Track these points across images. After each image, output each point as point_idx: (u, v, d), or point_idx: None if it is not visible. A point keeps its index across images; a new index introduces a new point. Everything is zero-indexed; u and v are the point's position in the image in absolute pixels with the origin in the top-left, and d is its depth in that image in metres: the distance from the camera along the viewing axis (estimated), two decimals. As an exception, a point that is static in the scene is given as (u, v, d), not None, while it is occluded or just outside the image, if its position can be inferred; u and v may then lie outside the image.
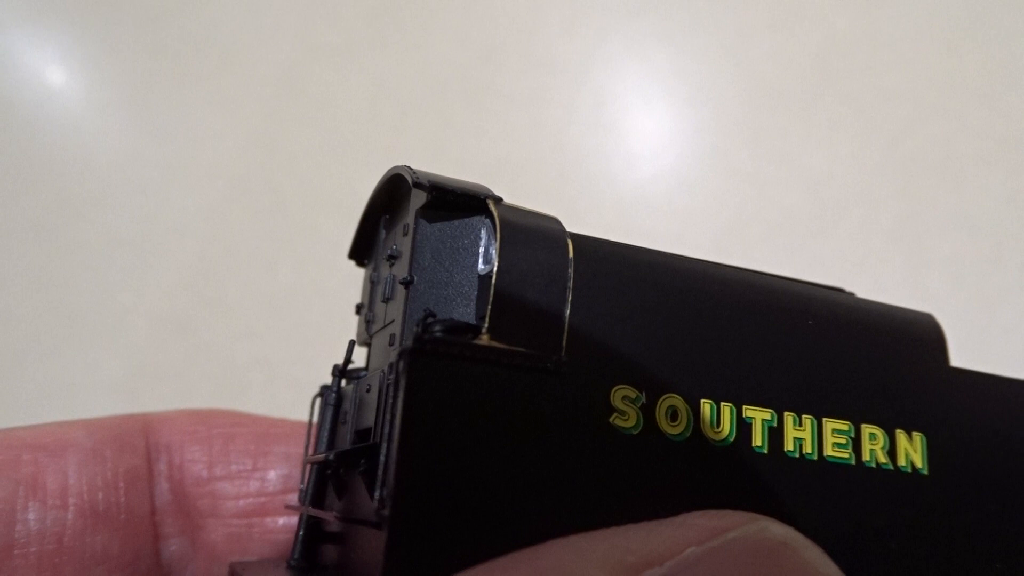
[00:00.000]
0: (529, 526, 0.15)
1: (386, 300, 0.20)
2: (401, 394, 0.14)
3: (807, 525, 0.15)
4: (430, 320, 0.16)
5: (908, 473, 0.18)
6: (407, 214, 0.19)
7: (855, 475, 0.18)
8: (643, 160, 0.59)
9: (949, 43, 0.58)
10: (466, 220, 0.18)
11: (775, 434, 0.17)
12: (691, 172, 0.58)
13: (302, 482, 0.23)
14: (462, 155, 0.59)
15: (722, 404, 0.17)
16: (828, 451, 0.18)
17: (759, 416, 0.17)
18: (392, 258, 0.20)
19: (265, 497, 0.26)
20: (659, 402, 0.16)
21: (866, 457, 0.18)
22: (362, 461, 0.18)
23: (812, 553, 0.15)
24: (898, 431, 0.18)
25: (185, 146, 0.61)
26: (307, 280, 0.57)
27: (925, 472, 0.18)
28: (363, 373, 0.22)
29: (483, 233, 0.17)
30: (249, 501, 0.25)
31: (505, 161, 0.59)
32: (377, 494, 0.14)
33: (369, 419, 0.19)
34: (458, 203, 0.17)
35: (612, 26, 0.62)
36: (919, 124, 0.57)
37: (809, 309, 0.18)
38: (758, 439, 0.17)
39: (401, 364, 0.14)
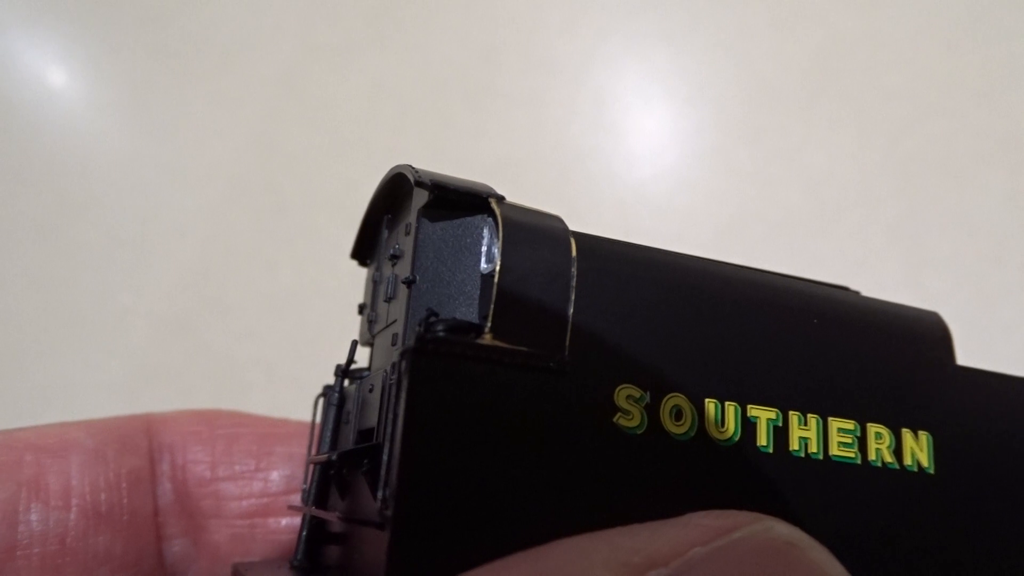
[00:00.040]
0: (533, 526, 0.15)
1: (388, 300, 0.20)
2: (404, 394, 0.14)
3: (813, 525, 0.15)
4: (433, 319, 0.16)
5: (914, 472, 0.18)
6: (409, 213, 0.19)
7: (861, 475, 0.18)
8: (643, 160, 0.59)
9: (949, 42, 0.58)
10: (468, 219, 0.17)
11: (780, 434, 0.17)
12: (691, 171, 0.58)
13: (305, 482, 0.23)
14: (463, 155, 0.59)
15: (727, 403, 0.17)
16: (834, 451, 0.17)
17: (764, 415, 0.17)
18: (394, 258, 0.19)
19: (268, 498, 0.26)
20: (663, 401, 0.16)
21: (872, 456, 0.18)
22: (365, 461, 0.18)
23: (818, 553, 0.15)
24: (904, 430, 0.18)
25: (186, 146, 0.61)
26: (308, 280, 0.57)
27: (931, 471, 0.18)
28: (366, 373, 0.22)
29: (485, 232, 0.17)
30: (252, 502, 0.25)
31: (506, 161, 0.59)
32: (380, 494, 0.14)
33: (372, 419, 0.19)
34: (460, 202, 0.17)
35: (612, 26, 0.62)
36: (919, 123, 0.57)
37: (814, 307, 0.18)
38: (763, 439, 0.17)
39: (403, 364, 0.14)
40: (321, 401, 0.23)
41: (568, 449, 0.15)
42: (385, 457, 0.15)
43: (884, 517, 0.18)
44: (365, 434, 0.20)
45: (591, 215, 0.57)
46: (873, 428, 0.18)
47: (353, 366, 0.22)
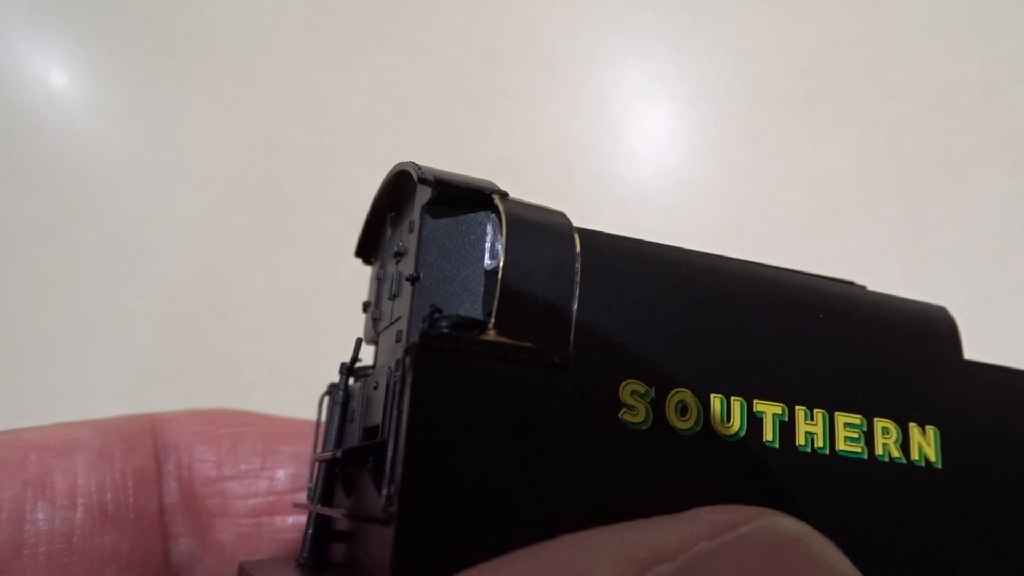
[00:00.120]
0: (538, 522, 0.15)
1: (392, 297, 0.20)
2: (408, 390, 0.14)
3: (819, 520, 0.15)
4: (437, 316, 0.16)
5: (921, 467, 0.18)
6: (413, 210, 0.19)
7: (867, 469, 0.17)
8: (645, 159, 0.59)
9: (950, 41, 0.58)
10: (472, 216, 0.17)
11: (786, 428, 0.17)
12: (692, 171, 0.58)
13: (311, 481, 0.23)
14: (464, 155, 0.59)
15: (732, 398, 0.17)
16: (840, 445, 0.17)
17: (770, 410, 0.17)
18: (398, 255, 0.19)
19: (274, 496, 0.26)
20: (668, 397, 0.16)
21: (879, 451, 0.18)
22: (370, 458, 0.18)
23: (824, 547, 0.15)
24: (911, 425, 0.18)
25: (187, 147, 0.61)
26: (310, 281, 0.57)
27: (939, 466, 0.18)
28: (370, 371, 0.22)
29: (489, 228, 0.17)
30: (258, 500, 0.25)
31: (507, 161, 0.59)
32: (385, 491, 0.14)
33: (377, 416, 0.19)
34: (464, 198, 0.17)
35: (613, 25, 0.61)
36: (920, 122, 0.57)
37: (820, 302, 0.18)
38: (769, 434, 0.17)
39: (408, 360, 0.14)
40: (326, 399, 0.23)
41: (573, 445, 0.15)
42: (390, 454, 0.15)
43: (891, 512, 0.17)
44: (370, 431, 0.20)
45: (592, 215, 0.56)
46: (880, 423, 0.18)
47: (358, 364, 0.22)
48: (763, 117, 0.58)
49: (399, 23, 0.63)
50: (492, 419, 0.15)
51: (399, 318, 0.19)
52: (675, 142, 0.59)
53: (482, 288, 0.17)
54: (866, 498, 0.17)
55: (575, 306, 0.16)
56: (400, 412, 0.15)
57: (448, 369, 0.14)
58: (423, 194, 0.18)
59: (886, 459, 0.18)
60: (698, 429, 0.16)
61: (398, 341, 0.19)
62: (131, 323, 0.57)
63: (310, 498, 0.22)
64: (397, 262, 0.20)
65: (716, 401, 0.17)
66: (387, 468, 0.15)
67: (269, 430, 0.26)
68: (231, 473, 0.25)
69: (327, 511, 0.21)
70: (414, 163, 0.18)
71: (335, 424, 0.22)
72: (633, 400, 0.16)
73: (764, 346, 0.17)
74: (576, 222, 0.17)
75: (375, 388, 0.20)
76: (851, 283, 0.20)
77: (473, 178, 0.18)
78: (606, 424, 0.16)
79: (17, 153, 0.61)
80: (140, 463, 0.24)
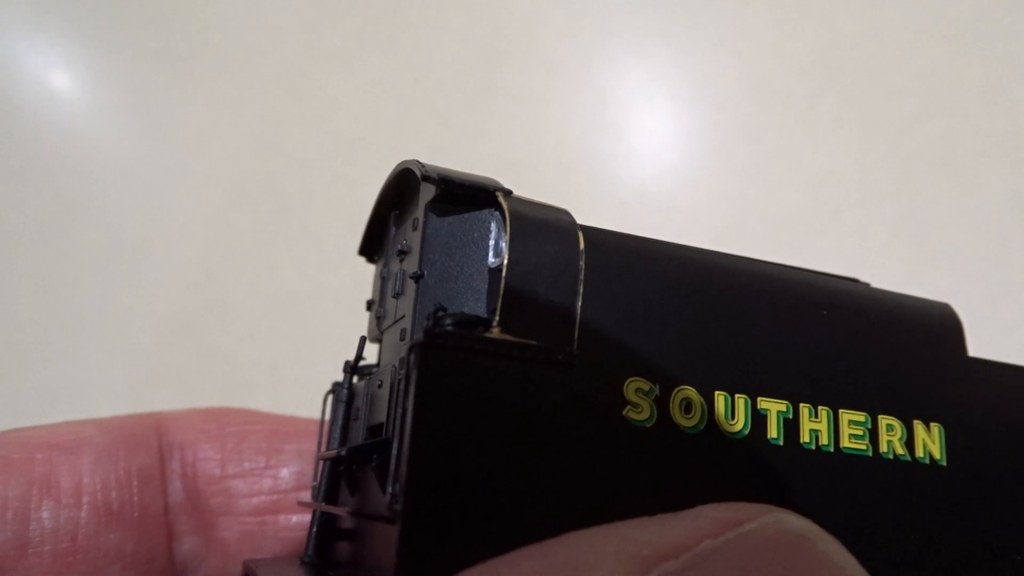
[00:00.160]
0: (542, 519, 0.15)
1: (396, 295, 0.20)
2: (412, 388, 0.14)
3: (824, 517, 0.15)
4: (440, 314, 0.16)
5: (926, 464, 0.18)
6: (416, 208, 0.19)
7: (872, 467, 0.17)
8: (645, 159, 0.59)
9: (950, 40, 0.58)
10: (476, 213, 0.17)
11: (791, 426, 0.17)
12: (693, 171, 0.58)
13: (315, 479, 0.23)
14: (465, 155, 0.59)
15: (737, 396, 0.17)
16: (845, 443, 0.17)
17: (774, 408, 0.17)
18: (402, 253, 0.20)
19: (278, 495, 0.26)
20: (673, 394, 0.16)
21: (883, 448, 0.18)
22: (374, 456, 0.18)
23: (829, 545, 0.15)
24: (916, 422, 0.18)
25: (188, 148, 0.61)
26: (311, 281, 0.57)
27: (943, 463, 0.18)
28: (375, 369, 0.22)
29: (493, 226, 0.17)
30: (262, 499, 0.25)
31: (507, 161, 0.59)
32: (389, 489, 0.14)
33: (381, 414, 0.19)
34: (467, 196, 0.17)
35: (614, 25, 0.61)
36: (921, 121, 0.57)
37: (824, 299, 0.18)
38: (773, 431, 0.17)
39: (412, 358, 0.14)
40: (330, 398, 0.23)
41: (577, 442, 0.15)
42: (394, 452, 0.15)
43: (896, 509, 0.17)
44: (374, 430, 0.20)
45: (592, 215, 0.56)
46: (884, 420, 0.18)
47: (362, 362, 0.22)
48: (763, 117, 0.58)
49: (399, 23, 0.63)
50: (496, 417, 0.15)
51: (403, 316, 0.19)
52: (675, 142, 0.59)
53: (486, 286, 0.17)
54: (871, 496, 0.17)
55: (579, 303, 0.16)
56: (404, 410, 0.15)
57: (452, 367, 0.14)
58: (427, 192, 0.18)
59: (891, 456, 0.18)
60: (702, 427, 0.16)
61: (402, 339, 0.19)
62: (131, 323, 0.57)
63: (314, 496, 0.22)
64: (401, 260, 0.20)
65: (720, 398, 0.17)
66: (391, 466, 0.15)
67: (273, 428, 0.26)
68: (235, 471, 0.25)
69: (331, 509, 0.21)
70: (418, 161, 0.18)
71: (339, 422, 0.22)
72: (637, 398, 0.16)
73: (768, 343, 0.17)
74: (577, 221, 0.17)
75: (379, 386, 0.20)
76: (855, 280, 0.20)
77: (477, 176, 0.18)
78: (610, 422, 0.16)
79: (17, 153, 0.61)
80: (145, 462, 0.24)
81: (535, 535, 0.14)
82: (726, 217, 0.56)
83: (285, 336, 0.56)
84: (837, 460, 0.17)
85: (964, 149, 0.56)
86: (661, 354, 0.16)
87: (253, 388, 0.55)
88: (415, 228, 0.18)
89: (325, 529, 0.22)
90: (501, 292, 0.16)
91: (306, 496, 0.26)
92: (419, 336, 0.14)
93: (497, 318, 0.15)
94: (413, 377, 0.14)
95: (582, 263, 0.16)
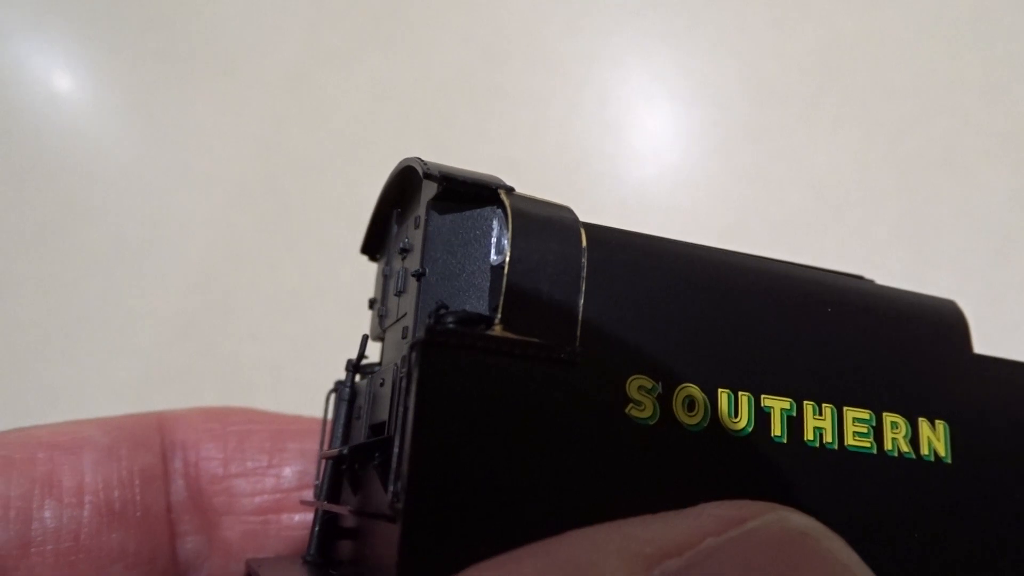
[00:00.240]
0: (545, 518, 0.15)
1: (399, 294, 0.20)
2: (414, 386, 0.14)
3: (828, 515, 0.15)
4: (443, 312, 0.16)
5: (931, 462, 0.18)
6: (418, 206, 0.19)
7: (877, 464, 0.17)
8: (646, 159, 0.59)
9: (950, 40, 0.58)
10: (478, 211, 0.17)
11: (794, 424, 0.17)
12: (694, 171, 0.58)
13: (317, 478, 0.23)
14: (465, 156, 0.59)
15: (740, 393, 0.17)
16: (849, 440, 0.17)
17: (778, 405, 0.17)
18: (404, 251, 0.19)
19: (281, 494, 0.26)
20: (676, 392, 0.16)
21: (888, 446, 0.18)
22: (376, 455, 0.18)
23: (833, 543, 0.15)
24: (920, 419, 0.18)
25: (189, 148, 0.61)
26: (312, 281, 0.57)
27: (948, 461, 0.18)
28: (377, 368, 0.22)
29: (495, 224, 0.17)
30: (265, 498, 0.25)
31: (508, 161, 0.59)
32: (391, 487, 0.14)
33: (383, 413, 0.19)
34: (469, 194, 0.17)
35: (614, 25, 0.61)
36: (921, 121, 0.56)
37: (828, 296, 0.18)
38: (777, 429, 0.17)
39: (414, 356, 0.14)
40: (333, 397, 0.23)
41: (579, 440, 0.15)
42: (396, 450, 0.15)
43: (900, 507, 0.17)
44: (376, 428, 0.20)
45: (593, 215, 0.57)
46: (889, 417, 0.18)
47: (364, 361, 0.22)
48: (763, 117, 0.58)
49: (399, 23, 0.63)
50: (498, 415, 0.15)
51: (405, 314, 0.19)
52: (676, 142, 0.59)
53: (488, 284, 0.17)
54: (875, 493, 0.17)
55: (581, 301, 0.16)
56: (406, 408, 0.15)
57: (454, 365, 0.14)
58: (429, 190, 0.18)
59: (895, 454, 0.18)
60: (705, 424, 0.16)
61: (404, 337, 0.19)
62: (133, 323, 0.57)
63: (317, 495, 0.22)
64: (403, 258, 0.20)
65: (724, 396, 0.17)
66: (393, 464, 0.15)
67: (276, 428, 0.26)
68: (238, 471, 0.25)
69: (334, 508, 0.21)
70: (419, 159, 0.18)
71: (342, 421, 0.22)
72: (640, 395, 0.16)
73: (772, 341, 0.17)
74: None
75: (381, 385, 0.20)
76: (860, 277, 0.20)
77: (479, 173, 0.18)
78: (613, 419, 0.16)
79: (19, 154, 0.62)
80: (147, 461, 0.24)
81: (537, 533, 0.14)
82: (727, 217, 0.56)
83: (286, 336, 0.56)
84: (841, 458, 0.17)
85: (964, 149, 0.56)
86: (664, 351, 0.16)
87: (254, 388, 0.55)
88: (417, 226, 0.18)
89: (327, 528, 0.22)
90: (503, 290, 0.16)
91: (308, 495, 0.25)
92: (421, 334, 0.14)
93: (499, 316, 0.15)
94: (415, 375, 0.14)
95: (584, 260, 0.16)
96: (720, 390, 0.17)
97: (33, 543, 0.21)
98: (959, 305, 0.20)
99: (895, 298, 0.19)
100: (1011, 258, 0.53)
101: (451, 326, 0.15)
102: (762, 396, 0.17)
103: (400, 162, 0.19)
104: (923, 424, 0.18)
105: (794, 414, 0.17)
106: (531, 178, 0.58)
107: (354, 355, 0.22)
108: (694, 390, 0.16)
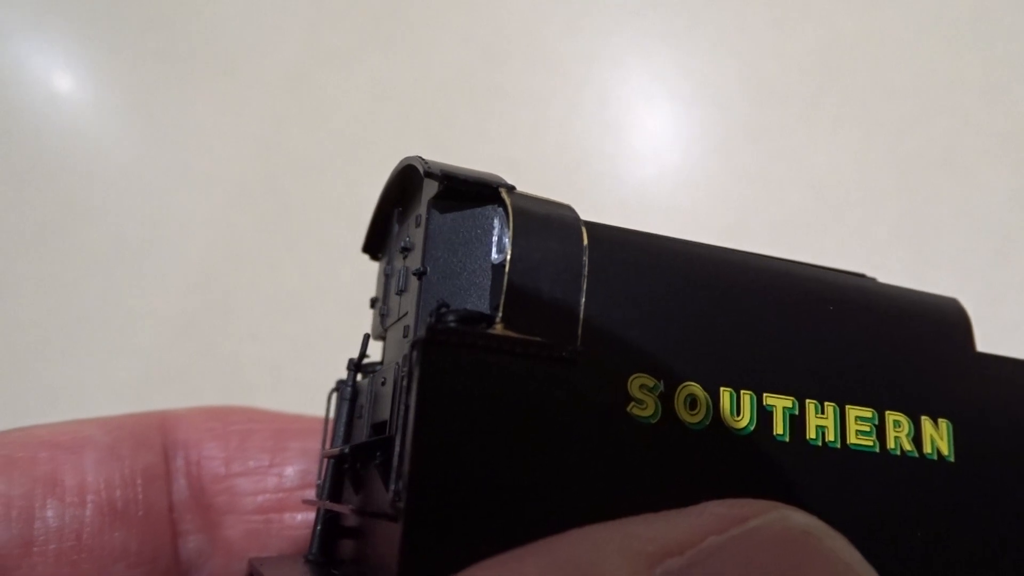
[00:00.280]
0: (546, 516, 0.15)
1: (400, 292, 0.20)
2: (415, 385, 0.14)
3: (830, 514, 0.15)
4: (444, 310, 0.16)
5: (934, 460, 0.18)
6: (419, 205, 0.19)
7: (879, 463, 0.17)
8: (646, 159, 0.59)
9: (950, 40, 0.58)
10: (479, 210, 0.17)
11: (797, 422, 0.17)
12: (694, 170, 0.58)
13: (319, 477, 0.23)
14: (465, 156, 0.59)
15: (742, 392, 0.17)
16: (851, 439, 0.17)
17: (780, 404, 0.17)
18: (405, 250, 0.19)
19: (283, 493, 0.26)
20: (677, 391, 0.16)
21: (891, 444, 0.18)
22: (378, 454, 0.18)
23: (835, 542, 0.14)
24: (923, 418, 0.18)
25: (189, 148, 0.61)
26: (312, 281, 0.57)
27: (951, 459, 0.18)
28: (378, 367, 0.22)
29: (496, 222, 0.17)
30: (267, 497, 0.25)
31: (508, 161, 0.59)
32: (393, 486, 0.14)
33: (384, 412, 0.19)
34: (470, 192, 0.17)
35: (614, 25, 0.61)
36: (921, 121, 0.56)
37: (830, 294, 0.18)
38: (779, 427, 0.17)
39: (415, 355, 0.14)
40: (334, 396, 0.23)
41: (581, 439, 0.15)
42: (397, 449, 0.15)
43: (903, 505, 0.17)
44: (378, 427, 0.20)
45: (593, 215, 0.57)
46: (892, 416, 0.18)
47: (366, 360, 0.22)
48: (764, 117, 0.58)
49: (399, 23, 0.63)
50: (500, 414, 0.15)
51: (406, 313, 0.19)
52: (676, 142, 0.59)
53: (489, 282, 0.17)
54: (878, 492, 0.17)
55: (583, 300, 0.16)
56: (407, 407, 0.15)
57: (455, 364, 0.14)
58: (429, 188, 0.18)
59: (898, 452, 0.18)
60: (707, 423, 0.16)
61: (405, 336, 0.19)
62: (133, 323, 0.57)
63: (319, 494, 0.22)
64: (404, 257, 0.20)
65: (726, 394, 0.17)
66: (395, 463, 0.15)
67: (277, 427, 0.26)
68: (240, 470, 0.25)
69: (336, 507, 0.21)
70: (420, 157, 0.18)
71: (343, 420, 0.22)
72: (642, 394, 0.16)
73: (774, 339, 0.17)
74: None
75: (383, 384, 0.20)
76: (862, 275, 0.20)
77: (480, 172, 0.17)
78: (615, 418, 0.16)
79: (19, 154, 0.62)
80: (149, 460, 0.24)
81: (539, 532, 0.14)
82: (727, 217, 0.56)
83: (286, 336, 0.56)
84: (844, 456, 0.17)
85: (964, 149, 0.56)
86: (665, 350, 0.16)
87: (255, 388, 0.55)
88: (418, 225, 0.18)
89: (329, 527, 0.22)
90: (504, 288, 0.16)
91: (310, 494, 0.25)
92: (422, 333, 0.14)
93: (500, 314, 0.15)
94: (416, 374, 0.14)
95: (585, 259, 0.16)
96: (722, 389, 0.17)
97: (35, 542, 0.21)
98: (961, 303, 0.20)
99: (897, 296, 0.19)
100: (1011, 258, 0.53)
101: (452, 325, 0.15)
102: (764, 394, 0.17)
103: (401, 161, 0.19)
104: (926, 422, 0.18)
105: (796, 413, 0.17)
106: (531, 178, 0.58)
107: (355, 354, 0.22)
108: (696, 389, 0.16)
